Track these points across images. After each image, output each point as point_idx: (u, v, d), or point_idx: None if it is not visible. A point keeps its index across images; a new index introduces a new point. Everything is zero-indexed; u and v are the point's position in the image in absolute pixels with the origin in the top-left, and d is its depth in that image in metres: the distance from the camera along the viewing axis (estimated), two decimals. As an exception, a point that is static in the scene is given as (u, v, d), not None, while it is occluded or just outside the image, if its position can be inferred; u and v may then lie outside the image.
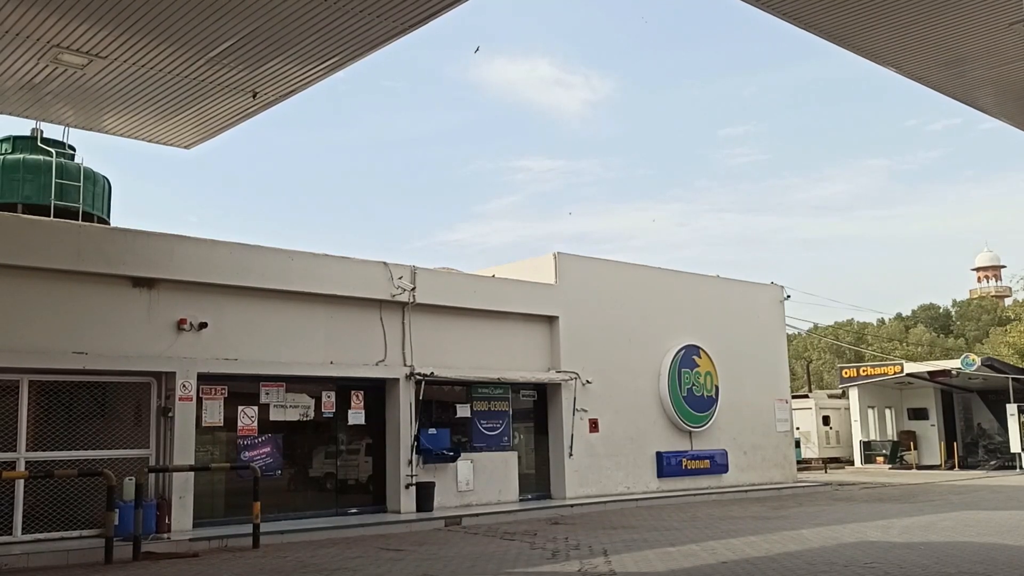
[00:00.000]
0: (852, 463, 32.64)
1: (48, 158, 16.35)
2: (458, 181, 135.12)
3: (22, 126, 17.61)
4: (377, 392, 16.23)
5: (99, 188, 17.17)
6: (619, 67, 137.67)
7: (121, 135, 12.62)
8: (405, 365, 16.17)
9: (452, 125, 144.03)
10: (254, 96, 10.75)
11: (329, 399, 15.53)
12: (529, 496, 17.79)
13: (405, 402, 16.06)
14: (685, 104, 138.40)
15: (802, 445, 31.26)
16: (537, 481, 18.37)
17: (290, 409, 14.99)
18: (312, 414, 15.26)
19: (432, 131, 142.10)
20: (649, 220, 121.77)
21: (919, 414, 33.06)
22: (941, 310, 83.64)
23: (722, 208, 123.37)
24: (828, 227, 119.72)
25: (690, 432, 20.69)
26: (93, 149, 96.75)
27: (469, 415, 17.34)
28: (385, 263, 16.12)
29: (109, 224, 16.70)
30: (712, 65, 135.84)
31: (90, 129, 12.54)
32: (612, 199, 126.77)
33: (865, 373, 32.66)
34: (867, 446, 32.30)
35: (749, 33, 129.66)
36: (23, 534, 11.89)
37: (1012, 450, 28.79)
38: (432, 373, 16.26)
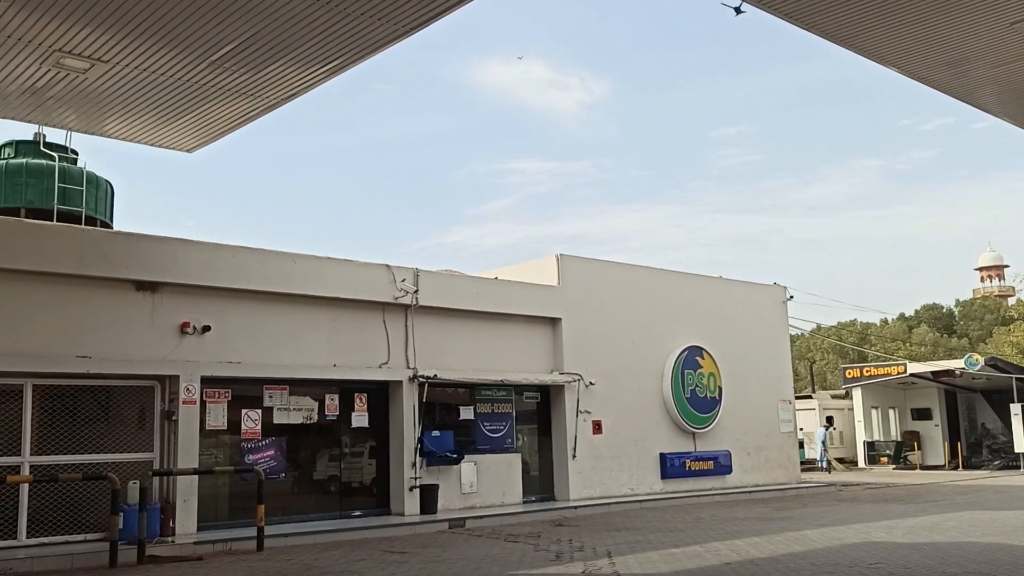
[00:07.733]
0: (856, 463, 32.61)
1: (51, 162, 16.41)
2: (453, 183, 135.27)
3: (25, 130, 17.65)
4: (380, 394, 16.23)
5: (102, 192, 17.23)
6: (614, 68, 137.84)
7: (123, 139, 12.65)
8: (408, 367, 16.17)
9: (447, 127, 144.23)
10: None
11: (332, 402, 15.52)
12: (533, 498, 17.78)
13: (408, 404, 16.06)
14: (679, 105, 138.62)
15: (805, 446, 31.22)
16: (541, 483, 18.36)
17: (293, 412, 14.99)
18: (315, 417, 15.26)
19: (427, 133, 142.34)
20: (645, 221, 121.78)
21: (923, 414, 33.00)
22: (944, 310, 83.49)
23: (717, 209, 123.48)
24: (825, 227, 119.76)
25: (693, 433, 20.67)
26: (95, 153, 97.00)
27: (472, 417, 17.34)
28: (388, 265, 16.13)
29: (112, 228, 16.75)
30: (705, 66, 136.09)
31: (92, 133, 12.56)
32: (607, 200, 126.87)
33: (868, 373, 32.64)
34: (871, 446, 32.27)
35: (741, 34, 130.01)
36: (28, 538, 11.91)
37: (1016, 450, 28.68)
38: (435, 375, 16.26)
